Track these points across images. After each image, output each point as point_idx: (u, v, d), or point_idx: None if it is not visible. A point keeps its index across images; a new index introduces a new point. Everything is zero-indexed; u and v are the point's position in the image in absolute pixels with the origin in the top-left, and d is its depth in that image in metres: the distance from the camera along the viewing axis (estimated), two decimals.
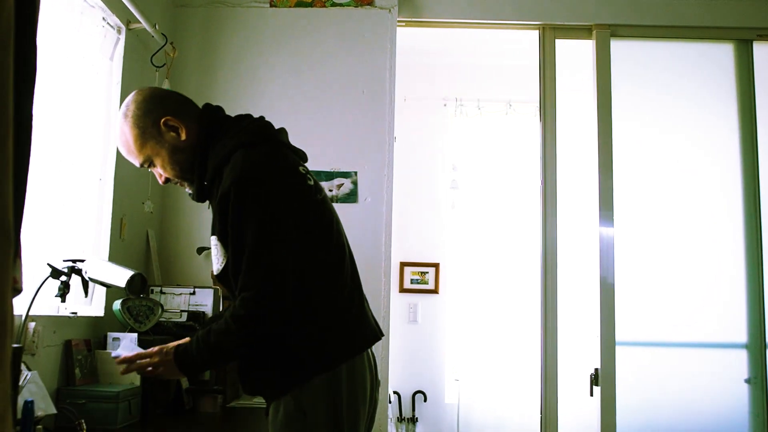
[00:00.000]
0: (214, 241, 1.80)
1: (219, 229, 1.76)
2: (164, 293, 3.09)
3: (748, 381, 3.44)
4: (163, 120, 1.84)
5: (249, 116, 1.93)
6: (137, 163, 1.90)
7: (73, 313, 2.59)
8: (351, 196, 3.43)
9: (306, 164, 1.95)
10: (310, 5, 3.62)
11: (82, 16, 2.75)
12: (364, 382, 1.85)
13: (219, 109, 1.96)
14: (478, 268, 5.09)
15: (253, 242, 1.70)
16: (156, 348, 1.83)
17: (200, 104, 3.61)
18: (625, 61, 3.64)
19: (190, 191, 1.93)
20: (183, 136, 1.85)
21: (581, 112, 3.84)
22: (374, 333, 1.92)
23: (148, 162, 1.89)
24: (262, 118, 1.94)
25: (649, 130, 3.66)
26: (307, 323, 1.79)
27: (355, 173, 3.44)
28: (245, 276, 1.71)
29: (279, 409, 1.77)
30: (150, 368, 1.84)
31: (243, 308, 1.71)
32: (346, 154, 3.44)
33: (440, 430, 4.99)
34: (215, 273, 1.84)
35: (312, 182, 1.88)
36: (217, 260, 1.81)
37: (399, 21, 3.64)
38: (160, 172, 1.91)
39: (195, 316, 3.04)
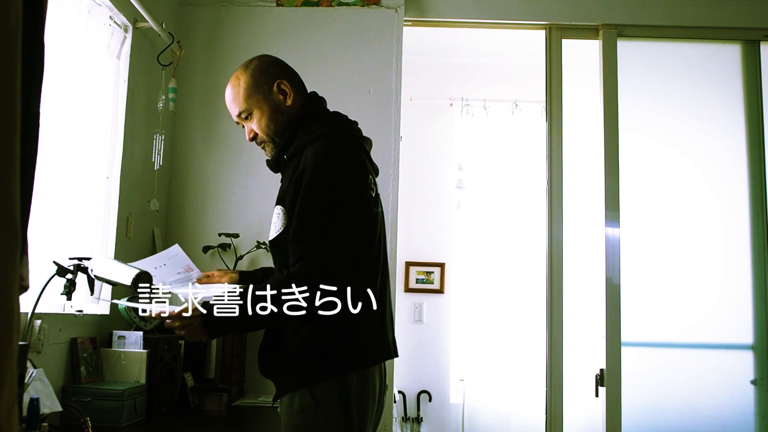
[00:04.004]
0: (278, 210, 1.92)
1: (290, 199, 1.87)
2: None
3: (754, 382, 3.43)
4: (278, 81, 2.00)
5: (344, 115, 2.07)
6: (235, 112, 2.01)
7: (78, 311, 2.60)
8: None
9: (376, 178, 2.07)
10: (317, 4, 3.62)
11: (89, 14, 2.75)
12: (374, 385, 1.92)
13: (323, 100, 2.10)
14: (484, 268, 5.08)
15: (322, 215, 1.81)
16: (177, 312, 1.84)
17: (204, 103, 3.64)
18: (631, 61, 3.63)
19: (268, 158, 2.05)
20: (288, 102, 2.00)
21: (588, 112, 3.84)
22: (388, 351, 1.99)
23: (247, 113, 2.00)
24: (356, 122, 2.06)
25: (655, 130, 3.65)
26: (339, 322, 1.82)
27: None
28: (308, 243, 1.80)
29: (294, 399, 1.84)
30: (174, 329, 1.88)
31: (299, 272, 1.77)
32: None
33: (445, 430, 4.98)
34: (270, 239, 1.94)
35: (374, 194, 1.99)
36: (275, 227, 1.92)
37: (405, 20, 3.64)
38: (252, 127, 2.01)
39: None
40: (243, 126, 2.05)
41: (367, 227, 1.93)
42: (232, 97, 2.01)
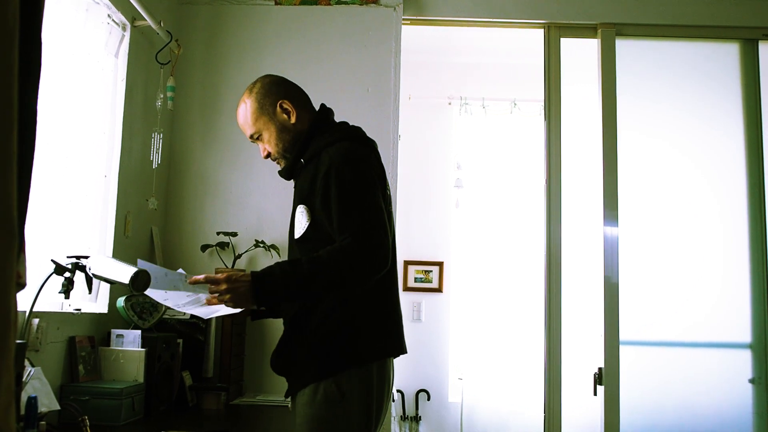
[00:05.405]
0: (301, 208, 1.99)
1: (321, 195, 1.92)
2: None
3: (752, 381, 3.43)
4: (279, 102, 2.08)
5: (348, 123, 2.16)
6: (248, 133, 2.12)
7: (77, 309, 2.60)
8: None
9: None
10: (315, 3, 3.61)
11: (87, 13, 2.75)
12: (389, 378, 2.00)
13: (331, 112, 2.18)
14: (482, 267, 5.08)
15: (362, 200, 1.89)
16: (223, 275, 1.86)
17: (203, 101, 3.64)
18: (630, 60, 3.64)
19: (280, 169, 2.14)
20: (293, 120, 2.08)
21: (586, 111, 3.83)
22: (401, 346, 2.07)
23: (258, 134, 2.10)
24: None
25: (654, 129, 3.65)
26: (361, 313, 1.93)
27: None
28: (357, 221, 1.85)
29: (318, 390, 1.88)
30: (216, 296, 1.88)
31: (355, 241, 1.82)
32: None
33: (443, 428, 4.98)
34: (297, 237, 2.00)
35: (389, 193, 2.07)
36: (300, 225, 1.99)
37: (404, 19, 3.64)
38: (264, 146, 2.11)
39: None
40: (258, 144, 2.15)
41: None
42: (242, 120, 2.12)
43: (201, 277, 1.90)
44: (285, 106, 2.08)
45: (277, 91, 2.10)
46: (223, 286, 1.84)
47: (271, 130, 2.07)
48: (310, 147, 2.05)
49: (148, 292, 2.09)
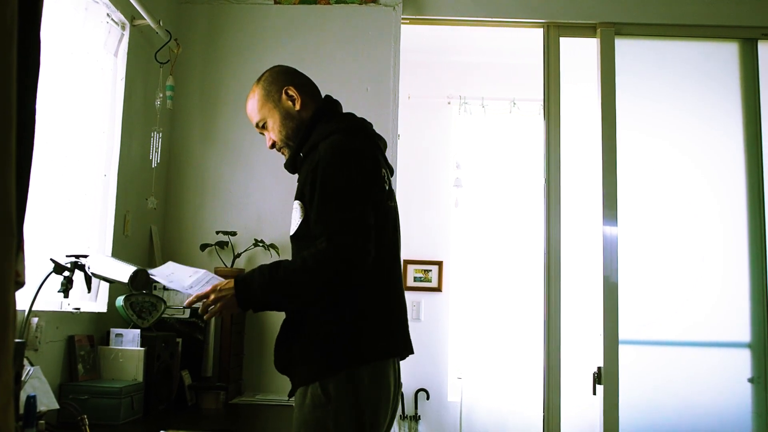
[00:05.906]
0: (296, 205, 1.98)
1: (309, 190, 1.91)
2: (167, 289, 3.08)
3: (751, 380, 3.43)
4: (285, 88, 2.09)
5: (357, 116, 2.14)
6: (254, 121, 2.13)
7: (76, 308, 2.60)
8: None
9: (391, 177, 2.14)
10: (315, 2, 3.61)
11: (86, 12, 2.75)
12: (388, 382, 1.94)
13: (337, 103, 2.18)
14: (482, 267, 5.08)
15: (342, 198, 1.86)
16: (209, 288, 1.93)
17: (202, 100, 3.64)
18: (629, 59, 3.64)
19: (285, 161, 2.13)
20: (297, 107, 2.09)
21: (585, 111, 3.83)
22: (399, 347, 2.04)
23: (263, 122, 2.11)
24: (370, 123, 2.13)
25: (653, 128, 3.65)
26: (352, 314, 1.90)
27: None
28: (332, 222, 1.83)
29: (306, 394, 1.87)
30: (209, 308, 1.94)
31: (330, 245, 1.81)
32: None
33: (443, 428, 4.98)
34: (291, 233, 2.00)
35: (388, 188, 2.04)
36: (294, 221, 1.98)
37: (403, 18, 3.64)
38: (270, 136, 2.11)
39: (197, 312, 3.05)
40: (264, 134, 2.15)
41: (381, 220, 1.95)
42: (250, 109, 2.13)
43: (193, 298, 1.97)
44: (290, 92, 2.08)
45: (284, 79, 2.11)
46: (212, 297, 1.91)
47: (276, 116, 2.07)
48: (309, 139, 2.03)
49: (153, 272, 2.13)
